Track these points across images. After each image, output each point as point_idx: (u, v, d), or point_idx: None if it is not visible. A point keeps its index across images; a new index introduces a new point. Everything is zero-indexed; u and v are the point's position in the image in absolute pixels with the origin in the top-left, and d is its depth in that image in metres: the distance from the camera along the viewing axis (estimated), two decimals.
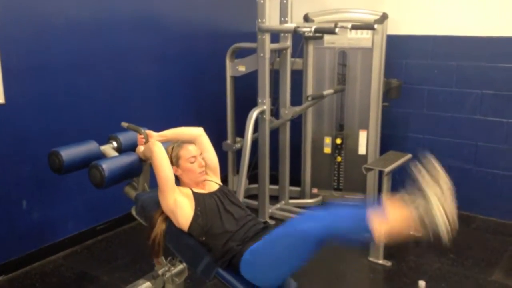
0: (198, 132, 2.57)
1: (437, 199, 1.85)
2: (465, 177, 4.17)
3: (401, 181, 4.40)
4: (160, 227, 2.33)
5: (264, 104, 3.88)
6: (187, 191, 2.36)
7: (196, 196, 2.35)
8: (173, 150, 2.42)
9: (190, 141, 2.54)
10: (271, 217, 4.08)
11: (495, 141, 4.00)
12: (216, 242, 2.23)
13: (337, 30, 3.41)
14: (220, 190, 2.45)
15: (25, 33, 3.10)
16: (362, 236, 1.97)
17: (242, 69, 4.13)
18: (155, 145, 2.36)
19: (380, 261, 3.38)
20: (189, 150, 2.42)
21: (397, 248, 3.58)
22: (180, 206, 2.29)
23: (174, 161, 2.38)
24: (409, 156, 3.93)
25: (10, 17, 2.99)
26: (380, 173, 3.76)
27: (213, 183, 2.51)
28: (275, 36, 4.03)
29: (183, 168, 2.40)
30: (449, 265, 3.37)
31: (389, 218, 1.89)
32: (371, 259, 3.41)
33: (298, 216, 2.35)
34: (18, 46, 3.07)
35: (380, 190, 4.04)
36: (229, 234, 2.23)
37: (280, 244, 2.09)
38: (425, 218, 1.85)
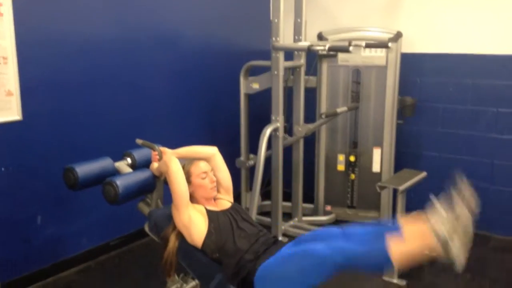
0: (212, 151, 2.59)
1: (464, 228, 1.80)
2: (481, 196, 4.05)
3: (416, 200, 4.38)
4: (173, 245, 2.34)
5: (278, 122, 3.88)
6: (201, 208, 2.38)
7: (210, 213, 2.36)
8: (184, 167, 2.44)
9: (203, 160, 2.56)
10: (284, 234, 4.05)
11: (511, 160, 3.95)
12: (229, 259, 2.22)
13: (351, 48, 3.42)
14: (232, 207, 2.46)
15: (42, 50, 3.15)
16: (379, 262, 1.89)
17: (256, 86, 4.15)
18: (171, 160, 2.38)
19: (395, 281, 3.33)
20: (200, 166, 2.45)
21: (412, 267, 3.53)
22: (194, 223, 2.30)
23: (186, 178, 2.40)
24: (424, 174, 3.90)
25: (29, 35, 3.05)
26: (395, 191, 3.74)
27: (225, 201, 2.52)
28: (289, 54, 4.05)
29: (195, 185, 2.42)
30: (465, 285, 3.31)
31: (407, 239, 1.84)
32: (385, 278, 3.36)
33: (311, 233, 2.30)
34: (36, 63, 3.12)
35: (394, 208, 4.01)
36: (242, 251, 2.22)
37: (292, 263, 2.06)
38: (447, 243, 1.78)
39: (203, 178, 2.43)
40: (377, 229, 1.94)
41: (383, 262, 1.87)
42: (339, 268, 1.95)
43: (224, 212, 2.41)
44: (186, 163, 2.48)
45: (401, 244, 1.83)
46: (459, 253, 1.77)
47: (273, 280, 2.10)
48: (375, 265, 1.98)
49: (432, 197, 1.84)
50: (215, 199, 2.53)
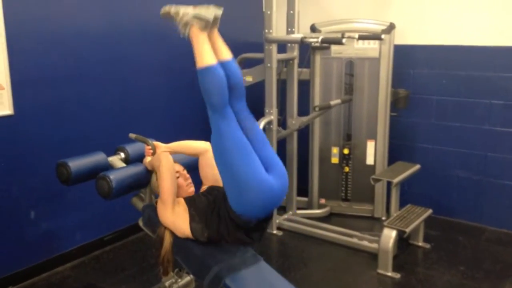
0: (204, 147, 2.58)
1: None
2: (474, 188, 4.13)
3: (410, 192, 4.39)
4: (168, 241, 2.33)
5: (271, 114, 3.87)
6: (179, 199, 2.40)
7: (187, 200, 2.38)
8: None
9: (196, 155, 2.56)
10: (279, 228, 4.06)
11: (504, 152, 3.96)
12: (216, 234, 2.25)
13: (344, 40, 3.41)
14: (207, 188, 2.48)
15: (34, 45, 3.12)
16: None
17: (249, 79, 4.13)
18: (164, 156, 2.38)
19: (389, 273, 3.34)
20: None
21: (407, 260, 3.55)
22: (178, 215, 2.32)
23: None
24: (418, 166, 3.92)
25: (19, 29, 3.02)
26: (389, 183, 3.75)
27: (204, 187, 2.53)
28: (282, 46, 4.03)
29: None
30: (459, 277, 3.33)
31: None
32: (379, 271, 3.38)
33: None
34: (27, 57, 3.09)
35: (388, 200, 4.03)
36: (223, 218, 2.24)
37: (218, 147, 2.13)
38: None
39: (177, 178, 2.45)
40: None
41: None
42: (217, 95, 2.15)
43: (199, 194, 2.44)
44: None
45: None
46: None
47: (228, 181, 2.15)
48: None
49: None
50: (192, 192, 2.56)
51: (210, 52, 2.17)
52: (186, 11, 2.22)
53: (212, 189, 2.46)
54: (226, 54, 2.27)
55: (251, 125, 2.22)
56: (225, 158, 2.11)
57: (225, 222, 2.21)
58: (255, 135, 2.20)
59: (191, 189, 2.50)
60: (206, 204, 2.33)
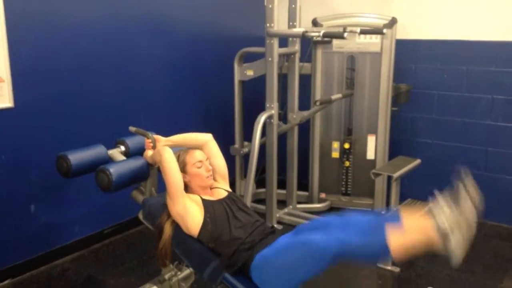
0: (206, 138, 2.57)
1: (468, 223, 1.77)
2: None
3: (410, 187, 4.39)
4: (167, 234, 2.33)
5: (272, 109, 3.86)
6: (196, 198, 2.36)
7: (205, 203, 2.34)
8: (180, 156, 2.43)
9: (198, 147, 2.54)
10: (279, 222, 4.06)
11: (505, 147, 3.96)
12: (226, 249, 2.21)
13: (346, 34, 3.40)
14: (228, 196, 2.44)
15: (34, 37, 3.11)
16: (377, 253, 1.88)
17: (250, 73, 4.12)
18: (164, 150, 2.36)
19: (389, 267, 3.35)
20: (195, 155, 2.43)
21: (409, 258, 3.55)
22: (190, 212, 2.28)
23: (181, 168, 2.38)
24: (418, 161, 3.91)
25: (20, 22, 3.01)
26: (389, 178, 3.74)
27: (222, 190, 2.50)
28: (284, 40, 4.02)
29: (191, 174, 2.40)
30: (458, 271, 3.33)
31: (407, 231, 1.82)
32: (379, 265, 3.38)
33: (309, 222, 2.28)
34: (27, 50, 3.08)
35: (388, 195, 4.02)
36: (238, 241, 2.21)
37: (290, 254, 2.04)
38: (447, 236, 1.77)
39: (199, 167, 2.41)
40: (377, 220, 1.93)
41: (381, 253, 1.88)
42: (336, 258, 1.94)
43: (219, 201, 2.39)
44: (181, 152, 2.46)
45: (401, 236, 1.83)
46: (458, 247, 1.77)
47: (270, 270, 2.09)
48: (373, 256, 2.01)
49: (436, 191, 1.81)
50: (211, 188, 2.51)
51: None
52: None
53: (234, 200, 2.43)
54: None
55: None
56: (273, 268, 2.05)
57: (236, 260, 2.18)
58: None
59: (210, 181, 2.45)
60: (225, 218, 2.30)
